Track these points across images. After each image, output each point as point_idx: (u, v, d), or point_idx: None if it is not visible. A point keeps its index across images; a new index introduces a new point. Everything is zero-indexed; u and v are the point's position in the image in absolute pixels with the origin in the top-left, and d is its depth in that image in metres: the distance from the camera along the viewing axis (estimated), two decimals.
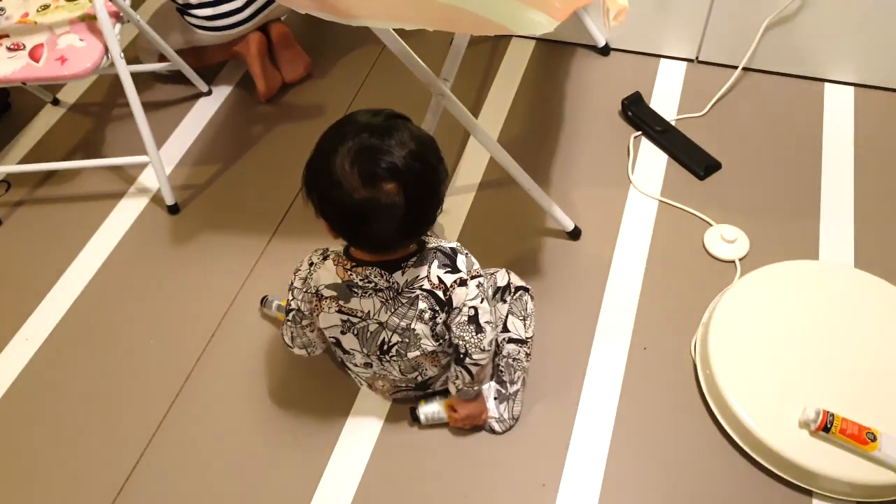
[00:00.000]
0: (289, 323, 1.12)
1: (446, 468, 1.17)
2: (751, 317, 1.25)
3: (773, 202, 1.49)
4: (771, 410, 1.14)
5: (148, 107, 1.73)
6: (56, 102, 1.79)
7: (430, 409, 1.20)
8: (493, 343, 1.09)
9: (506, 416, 1.20)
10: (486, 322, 1.05)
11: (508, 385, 1.20)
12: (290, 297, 1.09)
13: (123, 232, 1.52)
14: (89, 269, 1.46)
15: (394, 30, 1.13)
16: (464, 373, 1.09)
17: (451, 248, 1.05)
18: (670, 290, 1.37)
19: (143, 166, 1.62)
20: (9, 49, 1.35)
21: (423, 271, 1.02)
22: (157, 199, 1.57)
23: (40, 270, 1.46)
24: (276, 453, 1.20)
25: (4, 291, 1.44)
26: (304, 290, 1.07)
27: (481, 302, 1.04)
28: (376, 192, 0.90)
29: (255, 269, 1.44)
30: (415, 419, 1.21)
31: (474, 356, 1.06)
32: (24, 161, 1.66)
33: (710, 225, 1.45)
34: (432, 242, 1.05)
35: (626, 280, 1.38)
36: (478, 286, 1.04)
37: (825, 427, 1.09)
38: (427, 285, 1.02)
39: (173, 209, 1.54)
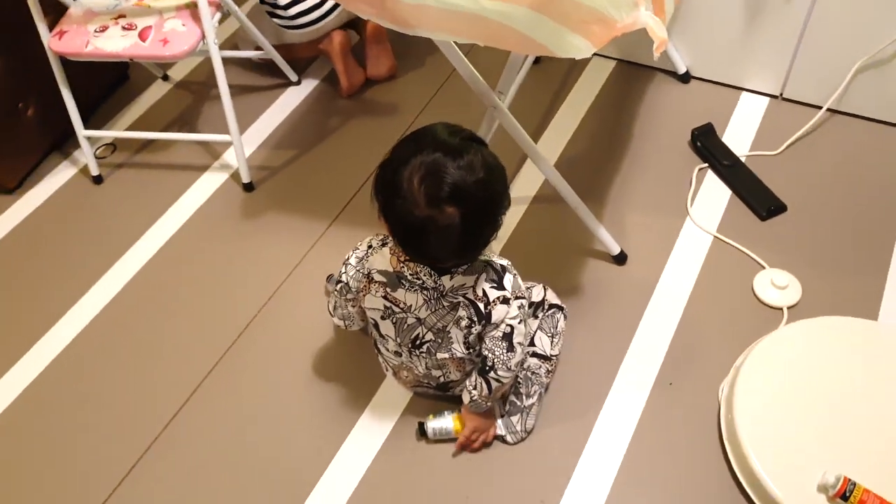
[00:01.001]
0: (335, 293, 1.18)
1: (452, 468, 1.21)
2: (786, 367, 1.20)
3: (836, 253, 1.41)
4: (790, 468, 1.09)
5: (241, 90, 1.88)
6: (166, 78, 1.97)
7: (438, 425, 1.21)
8: (520, 366, 1.11)
9: (518, 428, 1.22)
10: (519, 343, 1.07)
11: (524, 397, 1.22)
12: (343, 271, 1.14)
13: (202, 202, 1.66)
14: (167, 231, 1.60)
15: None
16: (483, 385, 1.11)
17: (502, 266, 1.07)
18: (709, 329, 1.33)
19: (226, 144, 1.76)
20: (124, 28, 1.51)
21: (471, 281, 1.05)
22: (235, 176, 1.70)
23: (127, 227, 1.62)
24: (297, 426, 1.28)
25: (94, 242, 1.61)
26: (358, 268, 1.12)
27: (519, 323, 1.06)
28: (437, 212, 0.93)
29: (311, 251, 1.53)
30: (422, 433, 1.22)
31: (499, 372, 1.09)
32: (130, 128, 1.85)
33: (763, 268, 1.39)
34: (484, 255, 1.07)
35: (665, 312, 1.36)
36: (519, 307, 1.06)
37: (843, 495, 1.04)
38: (471, 295, 1.05)
39: (248, 187, 1.66)
